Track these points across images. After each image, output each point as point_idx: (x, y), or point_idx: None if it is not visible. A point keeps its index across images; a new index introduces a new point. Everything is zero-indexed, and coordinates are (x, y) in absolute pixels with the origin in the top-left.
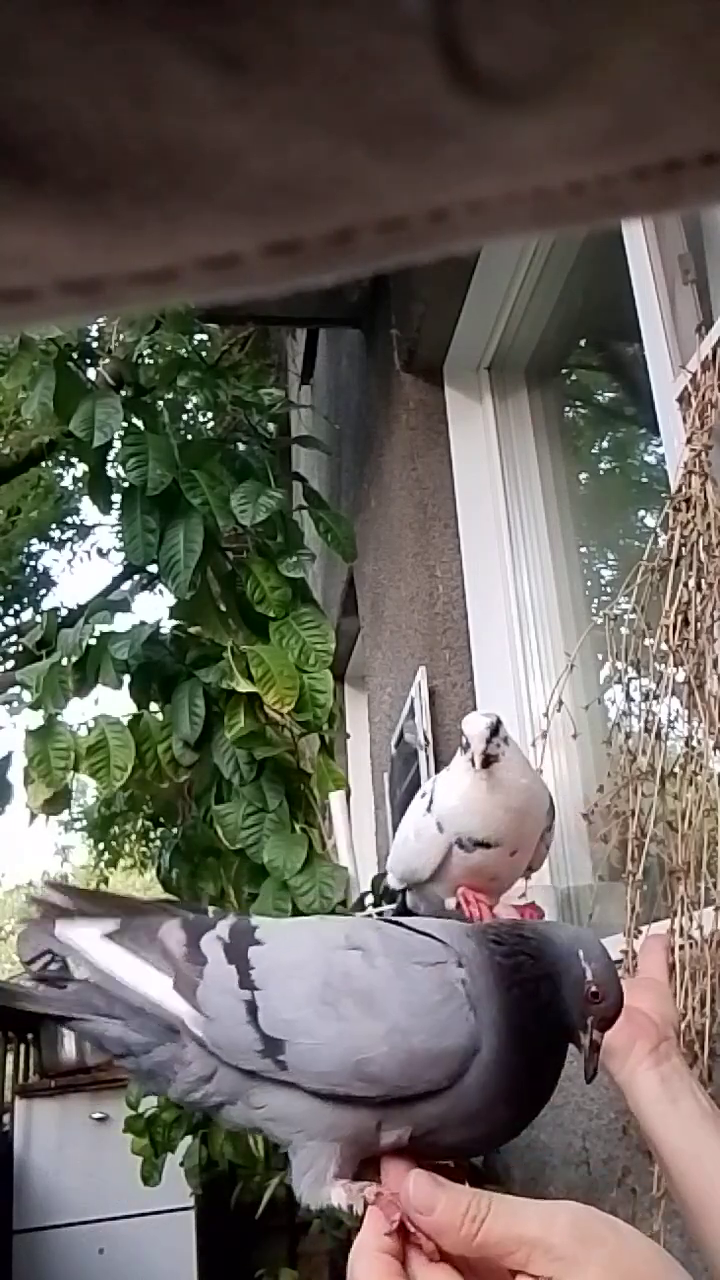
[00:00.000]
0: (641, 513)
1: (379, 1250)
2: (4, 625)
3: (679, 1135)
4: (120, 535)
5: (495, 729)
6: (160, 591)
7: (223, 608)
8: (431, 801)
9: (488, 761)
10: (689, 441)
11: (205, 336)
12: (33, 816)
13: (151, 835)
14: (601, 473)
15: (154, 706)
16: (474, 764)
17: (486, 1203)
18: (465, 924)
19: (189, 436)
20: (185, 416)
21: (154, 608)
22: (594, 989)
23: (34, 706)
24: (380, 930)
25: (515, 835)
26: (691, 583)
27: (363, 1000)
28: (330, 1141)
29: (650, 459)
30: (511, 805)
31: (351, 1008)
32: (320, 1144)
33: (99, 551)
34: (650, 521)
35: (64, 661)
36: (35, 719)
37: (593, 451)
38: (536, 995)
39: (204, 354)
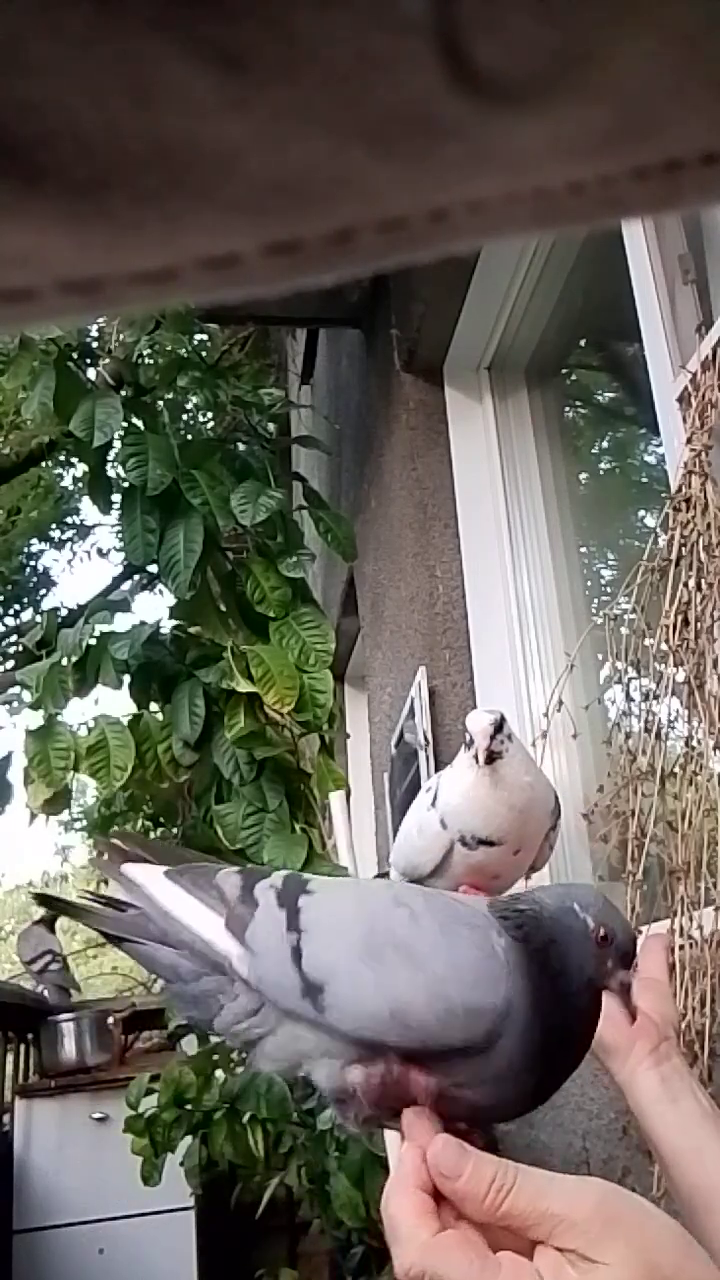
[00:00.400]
0: (641, 513)
1: (416, 1186)
2: (4, 625)
3: (679, 1135)
4: (120, 535)
5: (499, 725)
6: (160, 591)
7: (223, 608)
8: (435, 798)
9: (491, 758)
10: (689, 441)
11: (205, 336)
12: (33, 816)
13: (151, 835)
14: (601, 473)
15: (154, 706)
16: (477, 760)
17: (513, 1174)
18: (483, 900)
19: (189, 436)
20: (185, 416)
21: (154, 608)
22: (601, 933)
23: (34, 706)
24: (426, 895)
25: (518, 834)
26: (691, 583)
27: (405, 951)
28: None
29: (650, 459)
30: (515, 803)
31: (393, 957)
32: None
33: (99, 551)
34: (650, 521)
35: (64, 661)
36: (35, 719)
37: (593, 451)
38: (548, 964)
39: (204, 354)
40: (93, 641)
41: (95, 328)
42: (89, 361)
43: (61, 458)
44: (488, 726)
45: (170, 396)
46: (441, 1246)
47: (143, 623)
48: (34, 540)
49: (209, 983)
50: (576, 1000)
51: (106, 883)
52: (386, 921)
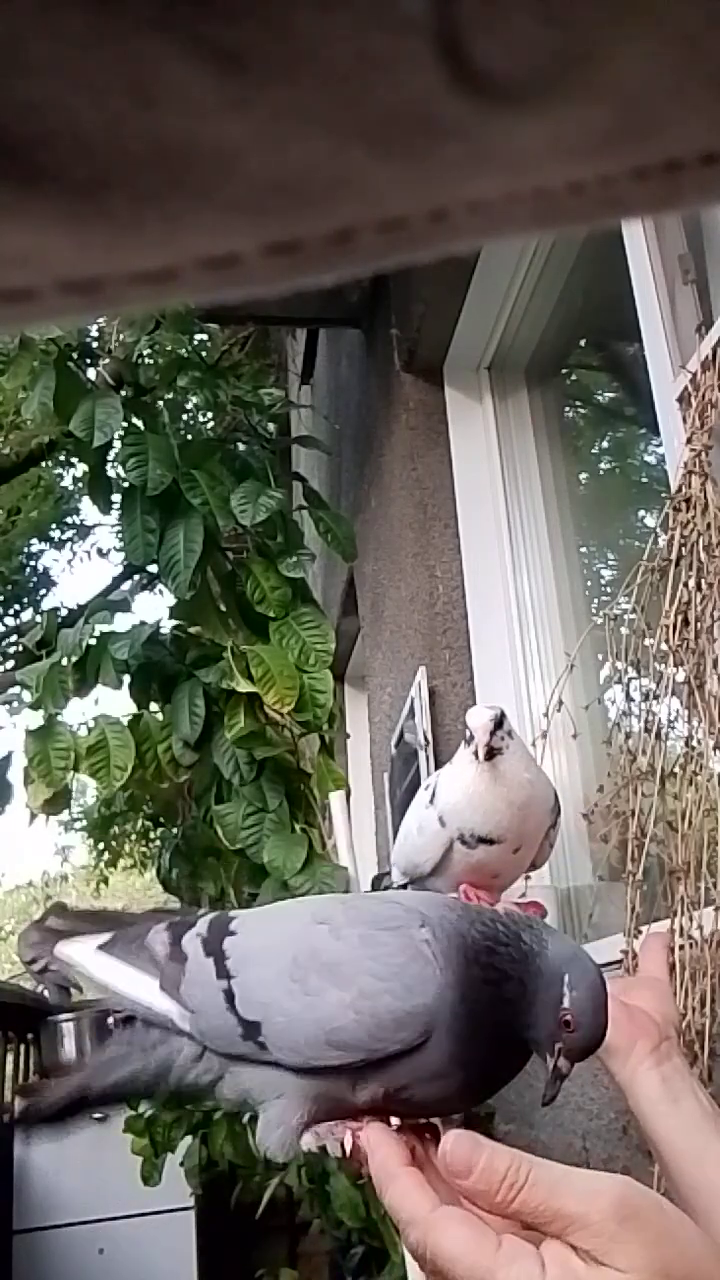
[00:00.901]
0: (641, 513)
1: (401, 1165)
2: (4, 625)
3: (680, 1135)
4: (120, 535)
5: (499, 722)
6: (160, 591)
7: (223, 608)
8: (434, 795)
9: (491, 754)
10: (689, 441)
11: (205, 336)
12: (33, 816)
13: (151, 835)
14: (601, 473)
15: (154, 706)
16: (477, 756)
17: (526, 1169)
18: (455, 899)
19: (189, 436)
20: (185, 416)
21: (154, 608)
22: (568, 1018)
23: (34, 706)
24: (345, 903)
25: (518, 831)
26: (691, 583)
27: (329, 972)
28: (305, 1099)
29: (650, 459)
30: (514, 800)
31: (318, 981)
32: (290, 1101)
33: (99, 551)
34: (650, 521)
35: (64, 661)
36: (35, 719)
37: (593, 451)
38: (498, 986)
39: (204, 354)
40: (93, 641)
41: (95, 328)
42: (89, 361)
43: (61, 458)
44: (488, 722)
45: (170, 396)
46: (439, 1223)
47: (143, 623)
48: (34, 540)
49: (162, 1049)
50: (504, 1029)
51: (106, 882)
52: (308, 944)
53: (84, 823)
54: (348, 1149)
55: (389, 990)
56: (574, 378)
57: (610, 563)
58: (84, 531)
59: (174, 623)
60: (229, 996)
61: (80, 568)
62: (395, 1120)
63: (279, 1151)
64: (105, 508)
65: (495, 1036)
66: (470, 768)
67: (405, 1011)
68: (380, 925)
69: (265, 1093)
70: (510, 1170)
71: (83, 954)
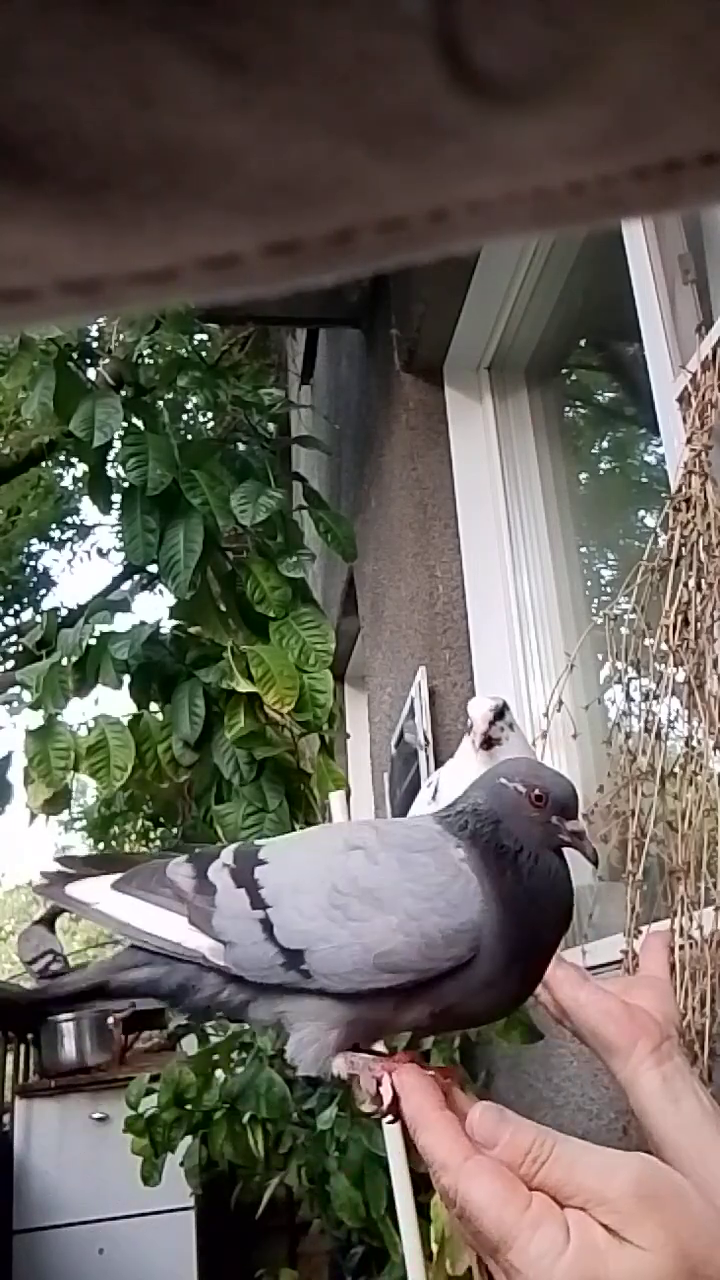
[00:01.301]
0: (641, 513)
1: (439, 1111)
2: (4, 625)
3: (681, 1135)
4: (120, 535)
5: (500, 712)
6: (160, 591)
7: (223, 608)
8: (436, 791)
9: (489, 743)
10: (689, 441)
11: (205, 336)
12: (33, 816)
13: (151, 835)
14: (601, 473)
15: (154, 706)
16: (475, 745)
17: (550, 1145)
18: (429, 817)
19: (189, 436)
20: (185, 416)
21: (154, 608)
22: (535, 793)
23: (34, 706)
24: (377, 828)
25: None
26: (691, 583)
27: (371, 898)
28: (344, 1023)
29: (650, 459)
30: None
31: (360, 907)
32: (327, 1023)
33: (99, 551)
34: (650, 521)
35: (64, 661)
36: (35, 719)
37: (593, 451)
38: (504, 850)
39: (204, 354)
40: (93, 641)
41: (95, 328)
42: (89, 361)
43: (61, 458)
44: (487, 712)
45: (170, 396)
46: (472, 1172)
47: (143, 623)
48: (34, 540)
49: (182, 970)
50: (540, 870)
51: None
52: (345, 871)
53: (84, 823)
54: (385, 1095)
55: (435, 909)
56: (574, 378)
57: (610, 563)
58: (84, 531)
59: (174, 623)
60: (267, 926)
61: (80, 568)
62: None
63: (311, 1067)
64: (105, 508)
65: (538, 911)
66: (472, 759)
67: (454, 929)
68: (415, 847)
69: (302, 1018)
70: (535, 1145)
71: (96, 892)
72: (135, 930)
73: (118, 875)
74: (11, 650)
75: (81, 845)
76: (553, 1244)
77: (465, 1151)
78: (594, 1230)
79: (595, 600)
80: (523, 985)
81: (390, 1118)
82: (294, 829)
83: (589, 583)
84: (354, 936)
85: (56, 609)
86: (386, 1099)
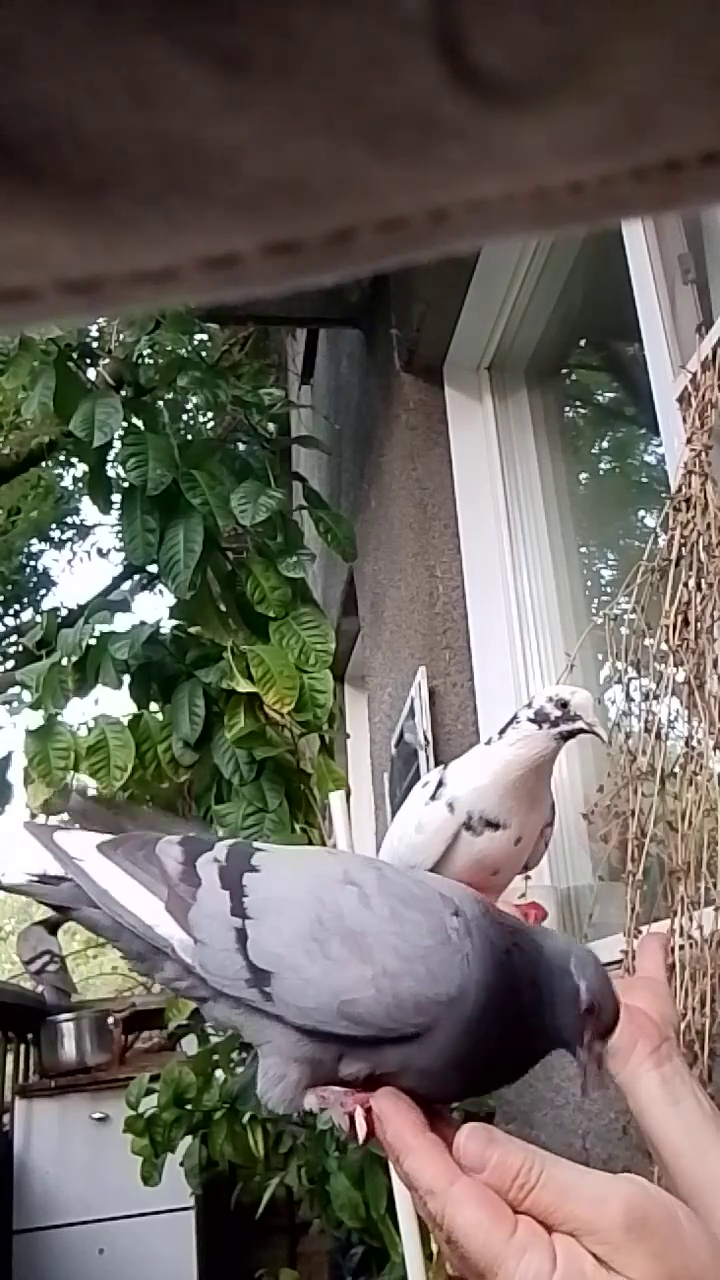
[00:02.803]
0: (641, 513)
1: (421, 1135)
2: (4, 625)
3: (681, 1136)
4: (120, 535)
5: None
6: (160, 591)
7: (223, 608)
8: (439, 788)
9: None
10: (689, 441)
11: (205, 336)
12: (33, 816)
13: None
14: (601, 473)
15: (154, 706)
16: (562, 738)
17: (539, 1169)
18: (477, 895)
19: (189, 436)
20: (185, 416)
21: (154, 608)
22: (589, 1003)
23: (34, 706)
24: (380, 871)
25: (522, 818)
26: (691, 583)
27: (353, 941)
28: (295, 1058)
29: (650, 459)
30: (526, 785)
31: (340, 948)
32: (283, 1056)
33: (99, 551)
34: (650, 521)
35: (64, 661)
36: (35, 719)
37: (593, 451)
38: (518, 992)
39: (204, 354)
40: (93, 641)
41: (95, 328)
42: (89, 361)
43: (61, 458)
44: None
45: (170, 396)
46: (457, 1197)
47: (143, 623)
48: (34, 540)
49: (143, 945)
50: (532, 1040)
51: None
52: (335, 904)
53: None
54: (359, 1128)
55: (413, 973)
56: (574, 378)
57: (610, 563)
58: (84, 531)
59: (174, 623)
60: (241, 937)
61: (80, 568)
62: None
63: (279, 1106)
64: (105, 508)
65: (501, 1043)
66: (487, 762)
67: (427, 997)
68: (412, 903)
69: (253, 1036)
70: (522, 1171)
71: (80, 849)
72: (111, 901)
73: (106, 837)
74: (11, 650)
75: None
76: (539, 1271)
77: (450, 1176)
78: (583, 1259)
79: (595, 600)
80: (460, 1085)
81: (361, 1149)
82: (294, 829)
83: (589, 583)
84: (324, 975)
85: (56, 609)
86: (361, 1134)
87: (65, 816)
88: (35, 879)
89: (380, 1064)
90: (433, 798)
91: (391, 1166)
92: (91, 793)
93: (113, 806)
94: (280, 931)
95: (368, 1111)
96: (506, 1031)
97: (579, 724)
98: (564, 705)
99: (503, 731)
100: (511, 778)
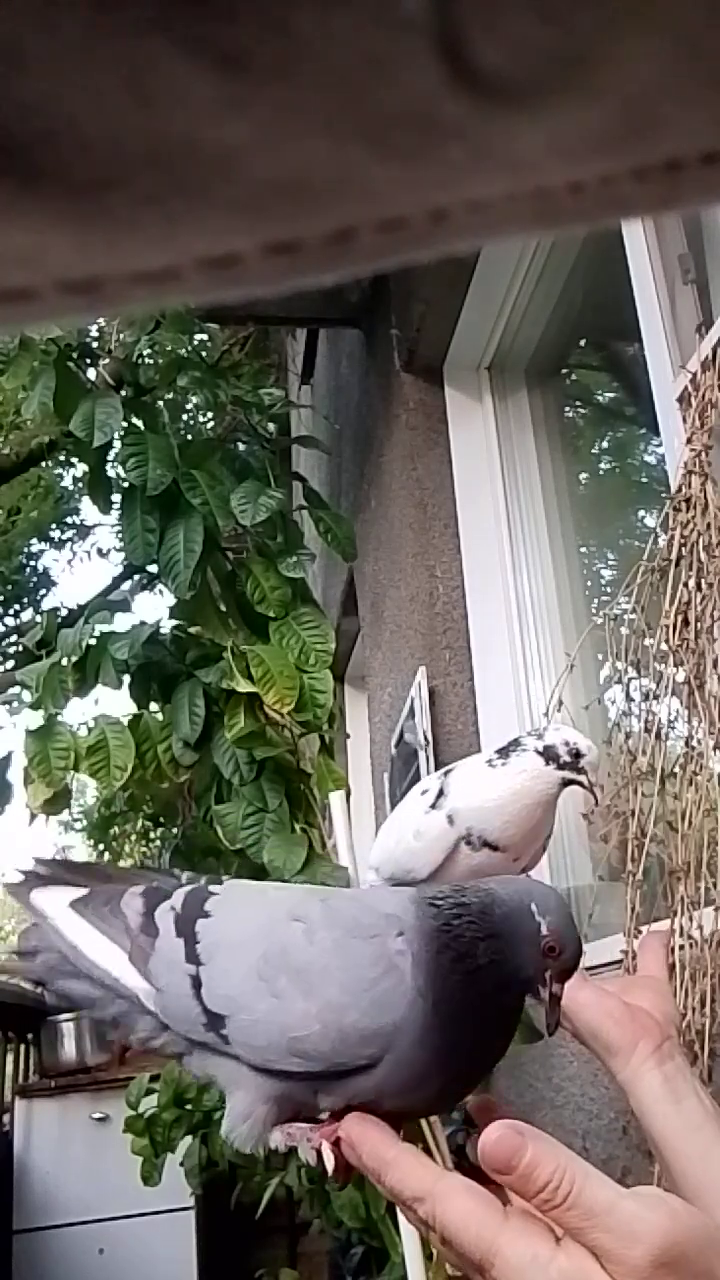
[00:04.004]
0: (641, 513)
1: (396, 1148)
2: (4, 625)
3: (682, 1136)
4: (120, 535)
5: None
6: (160, 591)
7: (223, 608)
8: (440, 798)
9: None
10: (689, 441)
11: (205, 336)
12: (33, 816)
13: (151, 835)
14: (601, 473)
15: (154, 706)
16: (586, 786)
17: (565, 1190)
18: (413, 890)
19: (189, 436)
20: (185, 416)
21: (154, 608)
22: (550, 943)
23: (34, 706)
24: (326, 901)
25: (522, 846)
26: (691, 583)
27: (298, 977)
28: (267, 1098)
29: (650, 459)
30: (533, 816)
31: (286, 984)
32: (253, 1096)
33: (99, 551)
34: (650, 521)
35: (64, 661)
36: (35, 719)
37: (593, 451)
38: (473, 956)
39: (204, 354)
40: (93, 641)
41: (95, 328)
42: (89, 361)
43: (61, 458)
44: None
45: (170, 396)
46: (444, 1195)
47: (143, 623)
48: (34, 540)
49: (122, 1004)
50: (500, 997)
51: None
52: (280, 941)
53: (84, 823)
54: (328, 1162)
55: (357, 1006)
56: (574, 378)
57: (610, 563)
58: (84, 531)
59: (174, 623)
60: (196, 983)
61: (80, 568)
62: None
63: (245, 1144)
64: (105, 508)
65: (477, 1024)
66: (489, 776)
67: (371, 1029)
68: (356, 933)
69: (228, 1083)
70: (549, 1187)
71: (54, 907)
72: (81, 956)
73: (79, 892)
74: (11, 650)
75: (81, 845)
76: (536, 1255)
77: (434, 1176)
78: (593, 1273)
79: (595, 600)
80: (442, 1096)
81: (341, 1182)
82: (294, 829)
83: (589, 583)
84: (272, 1013)
85: (56, 609)
86: (330, 1166)
87: (39, 871)
88: (12, 954)
89: (356, 1094)
90: (433, 806)
91: (378, 1187)
92: (59, 855)
93: (82, 866)
94: (229, 974)
95: (335, 1143)
96: (475, 1017)
97: (582, 778)
98: (577, 755)
99: (504, 753)
100: (518, 808)
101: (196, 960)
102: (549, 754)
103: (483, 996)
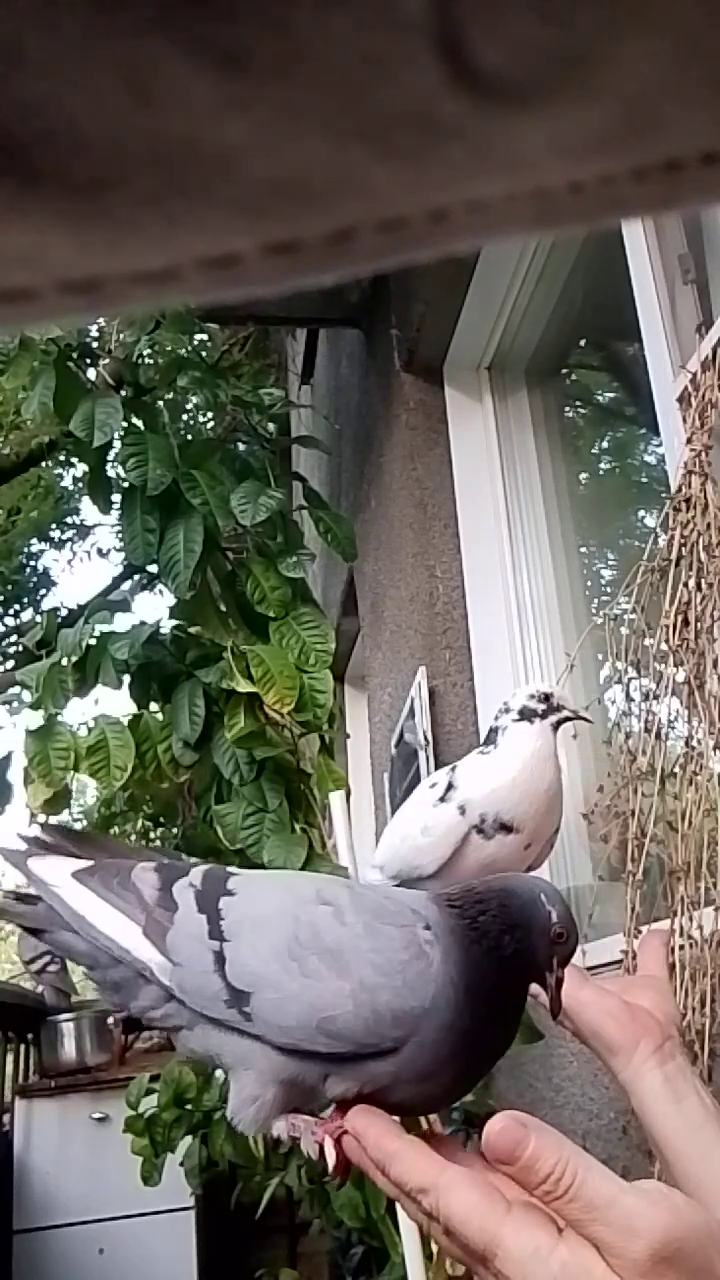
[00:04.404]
0: (641, 513)
1: (400, 1140)
2: (4, 625)
3: (683, 1135)
4: (120, 535)
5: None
6: (160, 591)
7: (223, 608)
8: (450, 789)
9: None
10: (689, 441)
11: (205, 336)
12: (33, 816)
13: (151, 835)
14: (601, 473)
15: (154, 706)
16: (555, 728)
17: (567, 1183)
18: (425, 893)
19: (189, 436)
20: (185, 416)
21: (154, 608)
22: (558, 930)
23: (34, 706)
24: (352, 889)
25: (536, 823)
26: (691, 583)
27: (329, 957)
28: (276, 1080)
29: (650, 459)
30: (545, 788)
31: (318, 964)
32: (262, 1077)
33: (99, 551)
34: (650, 521)
35: (64, 661)
36: (35, 719)
37: (593, 451)
38: (500, 947)
39: (204, 354)
40: (93, 641)
41: (95, 328)
42: (89, 361)
43: (61, 458)
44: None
45: (170, 396)
46: (447, 1187)
47: (143, 623)
48: (34, 540)
49: (124, 970)
50: (515, 985)
51: None
52: (310, 923)
53: (84, 823)
54: (329, 1157)
55: (390, 986)
56: (574, 378)
57: (610, 563)
58: (84, 531)
59: (174, 623)
60: (219, 959)
61: (80, 568)
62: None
63: (251, 1127)
64: (105, 508)
65: (498, 1011)
66: (504, 755)
67: (404, 1010)
68: (385, 918)
69: (235, 1061)
70: (551, 1178)
71: (56, 875)
72: (87, 925)
73: (82, 864)
74: (11, 650)
75: None
76: (538, 1247)
77: (438, 1167)
78: (594, 1265)
79: (595, 600)
80: (455, 1085)
81: (339, 1180)
82: (294, 829)
83: (589, 583)
84: (303, 992)
85: (56, 609)
86: (331, 1162)
87: (40, 840)
88: (10, 897)
89: (368, 1080)
90: (442, 800)
91: (379, 1183)
92: (60, 823)
93: (83, 836)
94: (258, 951)
95: (338, 1140)
96: (498, 1004)
97: (565, 712)
98: (547, 698)
99: (490, 740)
100: (528, 776)
101: (221, 936)
102: (527, 714)
103: (506, 984)
